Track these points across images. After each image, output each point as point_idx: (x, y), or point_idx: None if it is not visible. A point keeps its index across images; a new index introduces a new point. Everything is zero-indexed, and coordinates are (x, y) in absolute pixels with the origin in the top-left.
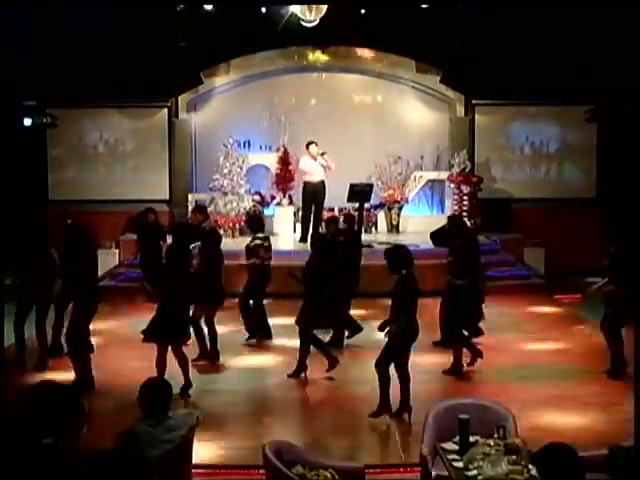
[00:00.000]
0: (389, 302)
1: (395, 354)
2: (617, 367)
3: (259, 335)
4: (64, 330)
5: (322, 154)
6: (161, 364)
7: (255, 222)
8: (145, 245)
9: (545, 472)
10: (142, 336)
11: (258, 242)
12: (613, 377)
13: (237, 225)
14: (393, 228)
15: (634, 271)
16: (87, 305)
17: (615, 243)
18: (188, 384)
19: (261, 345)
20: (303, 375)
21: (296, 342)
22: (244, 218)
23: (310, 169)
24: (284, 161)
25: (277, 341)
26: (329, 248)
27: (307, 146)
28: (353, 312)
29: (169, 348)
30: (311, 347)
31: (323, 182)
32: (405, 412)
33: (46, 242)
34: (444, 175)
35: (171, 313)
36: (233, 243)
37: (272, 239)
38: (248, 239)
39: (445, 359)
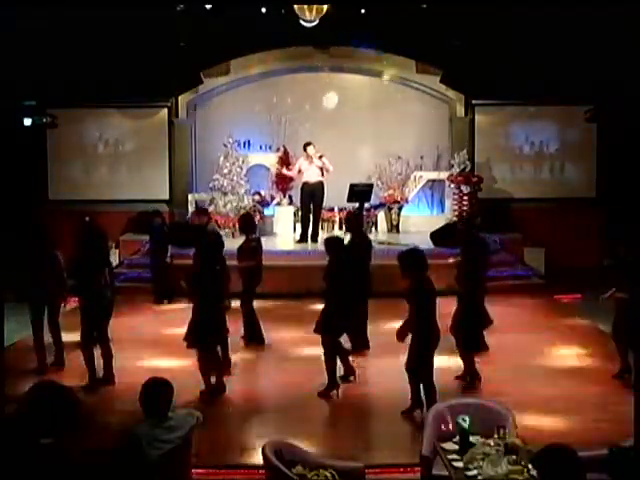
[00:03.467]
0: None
1: (421, 359)
2: None
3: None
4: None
5: (320, 157)
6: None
7: (249, 223)
8: (152, 247)
9: (545, 474)
10: (185, 342)
11: (254, 244)
12: None
13: (237, 225)
14: (393, 228)
15: None
16: (103, 304)
17: (625, 245)
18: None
19: (256, 347)
20: (335, 392)
21: (284, 342)
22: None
23: (305, 170)
24: (283, 161)
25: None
26: (345, 250)
27: (304, 147)
28: None
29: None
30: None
31: (321, 182)
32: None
33: (46, 242)
34: (444, 175)
35: (209, 314)
36: (233, 243)
37: (272, 239)
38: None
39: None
